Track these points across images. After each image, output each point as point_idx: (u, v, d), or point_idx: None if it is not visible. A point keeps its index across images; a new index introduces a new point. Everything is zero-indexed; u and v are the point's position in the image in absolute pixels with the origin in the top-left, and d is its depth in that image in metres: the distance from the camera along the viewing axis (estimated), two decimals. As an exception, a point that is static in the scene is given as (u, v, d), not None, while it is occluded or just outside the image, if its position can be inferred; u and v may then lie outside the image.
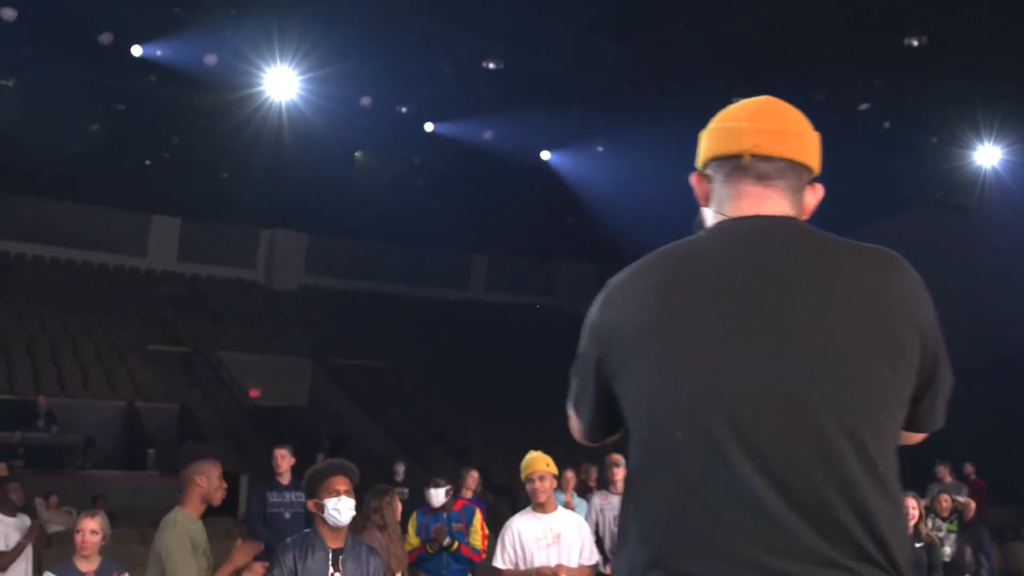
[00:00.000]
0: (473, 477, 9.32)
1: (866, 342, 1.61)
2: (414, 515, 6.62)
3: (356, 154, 20.12)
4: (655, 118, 16.87)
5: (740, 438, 1.57)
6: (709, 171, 1.87)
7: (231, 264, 24.87)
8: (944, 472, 11.36)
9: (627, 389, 1.73)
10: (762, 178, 1.80)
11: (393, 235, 23.01)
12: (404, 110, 17.66)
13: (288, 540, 4.28)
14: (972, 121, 17.15)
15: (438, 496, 6.60)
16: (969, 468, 12.86)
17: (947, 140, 18.22)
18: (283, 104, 16.58)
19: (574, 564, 5.61)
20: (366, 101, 16.94)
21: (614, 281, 1.80)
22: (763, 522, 1.54)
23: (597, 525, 7.63)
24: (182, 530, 4.37)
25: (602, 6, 14.52)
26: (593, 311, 1.82)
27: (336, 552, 4.16)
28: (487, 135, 18.65)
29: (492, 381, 21.42)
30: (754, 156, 1.79)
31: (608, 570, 7.39)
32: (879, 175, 19.84)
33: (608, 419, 1.82)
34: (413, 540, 6.47)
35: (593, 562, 5.78)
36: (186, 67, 15.37)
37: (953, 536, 8.57)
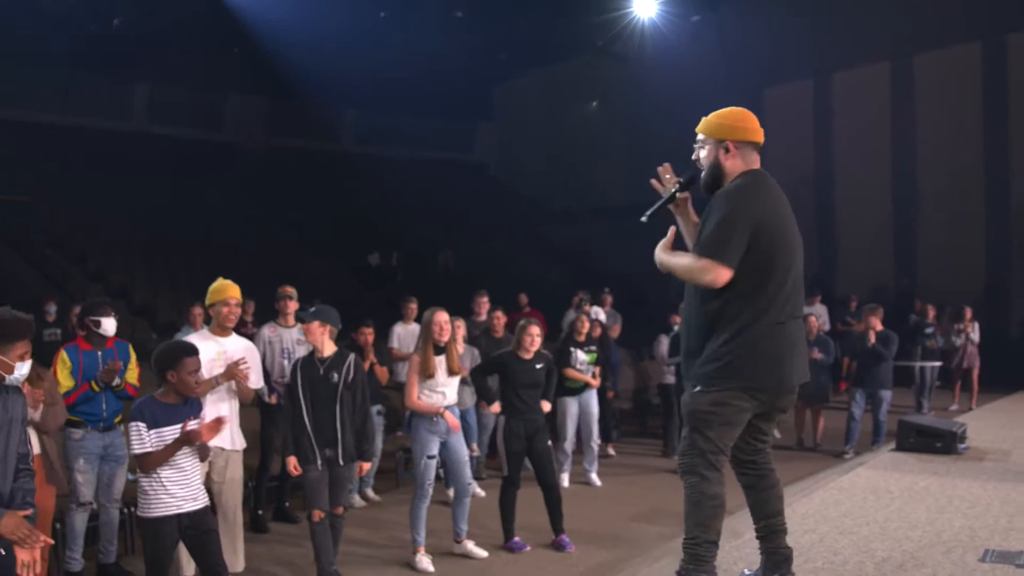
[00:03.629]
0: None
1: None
2: (63, 354, 6.25)
3: None
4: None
5: (794, 282, 3.89)
6: (739, 147, 3.94)
7: None
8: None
9: (765, 247, 3.76)
10: (757, 151, 3.99)
11: (40, 59, 20.89)
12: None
13: None
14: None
15: (111, 325, 6.33)
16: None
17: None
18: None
19: (250, 385, 6.08)
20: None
21: (748, 189, 3.88)
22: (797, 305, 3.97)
23: (265, 356, 7.67)
24: None
25: None
26: (744, 203, 3.80)
27: None
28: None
29: (156, 218, 20.50)
30: (757, 142, 3.97)
31: (272, 400, 7.65)
32: (544, 23, 20.41)
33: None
34: (67, 381, 6.16)
35: (257, 386, 6.25)
36: None
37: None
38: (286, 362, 7.73)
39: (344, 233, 23.49)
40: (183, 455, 4.59)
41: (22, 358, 3.87)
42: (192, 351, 4.71)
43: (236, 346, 6.08)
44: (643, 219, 3.98)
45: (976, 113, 18.68)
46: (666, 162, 4.17)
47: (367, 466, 6.33)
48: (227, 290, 6.04)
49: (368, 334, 8.65)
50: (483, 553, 6.82)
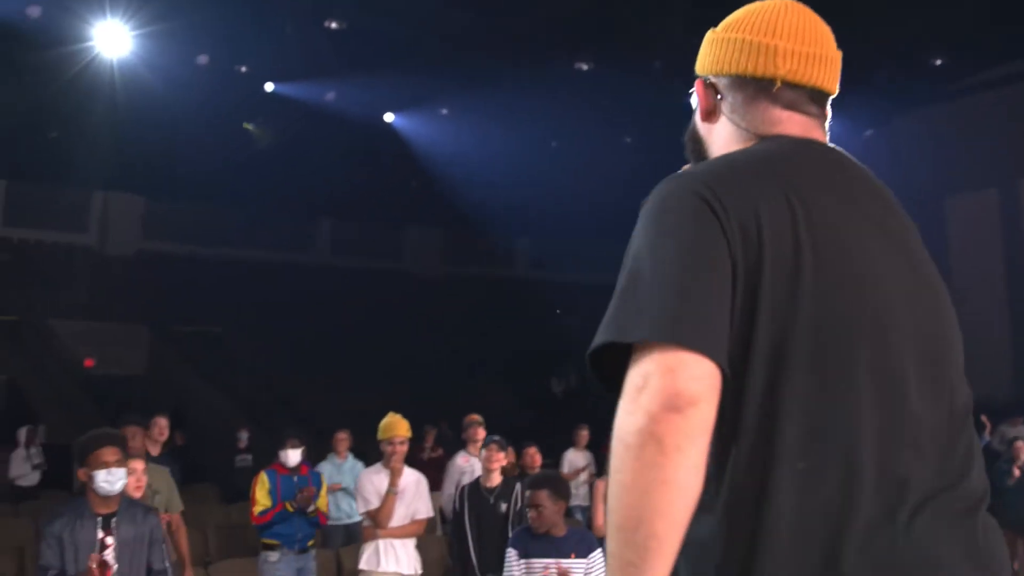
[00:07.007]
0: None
1: None
2: (263, 475, 6.57)
3: (246, 125, 19.59)
4: (499, 84, 16.91)
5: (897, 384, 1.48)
6: (721, 84, 1.63)
7: (62, 228, 23.61)
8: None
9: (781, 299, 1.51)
10: (789, 107, 1.58)
11: (234, 198, 22.34)
12: (244, 69, 17.16)
13: (58, 511, 4.22)
14: None
15: (295, 456, 6.65)
16: None
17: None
18: (115, 61, 15.75)
19: (419, 516, 6.30)
20: (203, 59, 16.38)
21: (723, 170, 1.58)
22: None
23: (457, 484, 7.67)
24: None
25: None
26: (699, 208, 1.55)
27: (107, 517, 4.11)
28: (330, 96, 18.31)
29: (338, 346, 21.20)
30: (785, 83, 1.56)
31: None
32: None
33: None
34: (265, 501, 6.44)
35: (425, 516, 6.42)
36: (6, 19, 14.46)
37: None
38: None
39: (520, 360, 23.66)
40: None
41: (107, 466, 4.05)
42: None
43: (407, 479, 6.27)
44: None
45: None
46: None
47: None
48: (394, 428, 6.25)
49: (534, 455, 8.42)
50: None
